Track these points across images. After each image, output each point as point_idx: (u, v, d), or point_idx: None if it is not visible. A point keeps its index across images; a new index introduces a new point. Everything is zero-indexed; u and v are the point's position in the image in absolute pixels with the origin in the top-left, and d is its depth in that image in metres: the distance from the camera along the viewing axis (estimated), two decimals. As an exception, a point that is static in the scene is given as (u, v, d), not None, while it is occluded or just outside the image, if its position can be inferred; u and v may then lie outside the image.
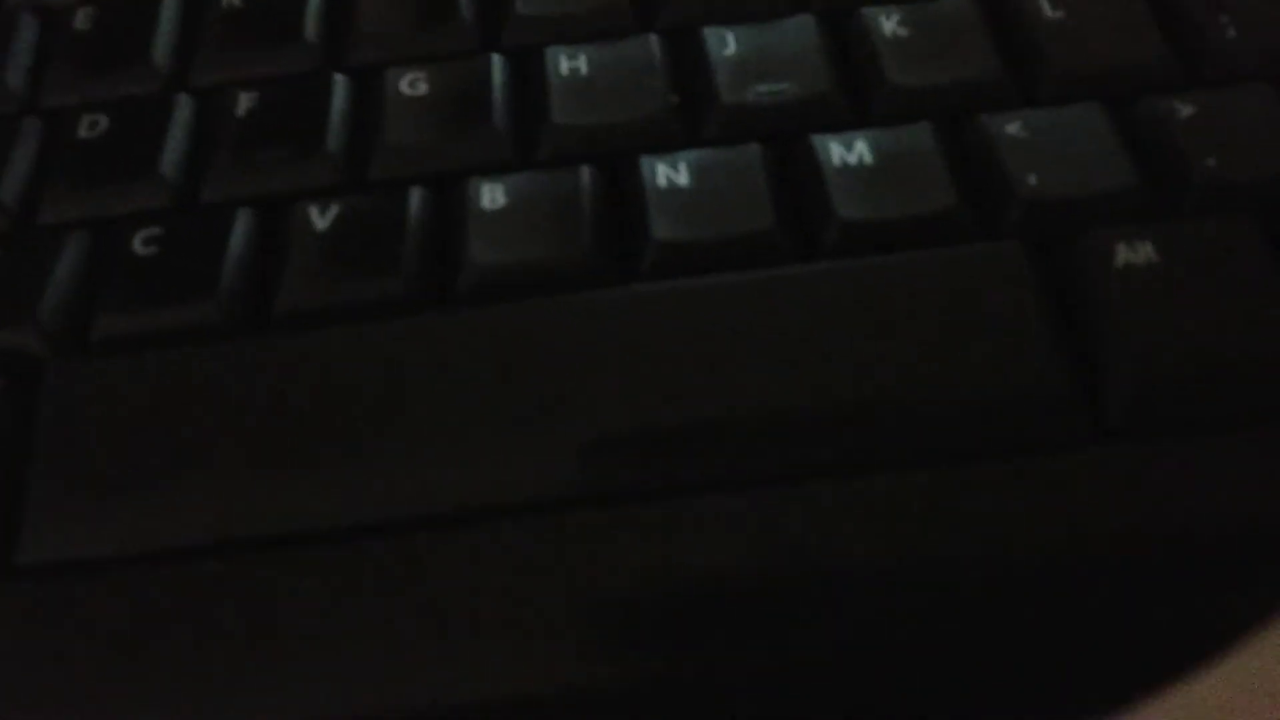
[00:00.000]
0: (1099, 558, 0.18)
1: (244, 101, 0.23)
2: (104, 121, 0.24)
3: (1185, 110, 0.21)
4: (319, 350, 0.20)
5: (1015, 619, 0.18)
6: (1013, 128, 0.22)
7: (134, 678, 0.18)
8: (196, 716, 0.18)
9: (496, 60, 0.24)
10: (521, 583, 0.18)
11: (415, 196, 0.22)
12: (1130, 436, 0.19)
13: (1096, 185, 0.21)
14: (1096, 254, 0.20)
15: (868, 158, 0.21)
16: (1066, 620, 0.18)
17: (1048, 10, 0.23)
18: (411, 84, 0.23)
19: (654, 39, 0.24)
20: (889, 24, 0.23)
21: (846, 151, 0.22)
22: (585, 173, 0.22)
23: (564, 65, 0.23)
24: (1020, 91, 0.22)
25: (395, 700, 0.18)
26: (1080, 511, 0.18)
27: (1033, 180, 0.21)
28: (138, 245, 0.22)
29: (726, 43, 0.23)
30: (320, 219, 0.22)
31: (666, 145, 0.22)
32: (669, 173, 0.22)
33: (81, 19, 0.25)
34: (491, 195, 0.22)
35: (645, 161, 0.22)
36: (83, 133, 0.23)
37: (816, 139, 0.22)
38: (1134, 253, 0.20)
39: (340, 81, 0.24)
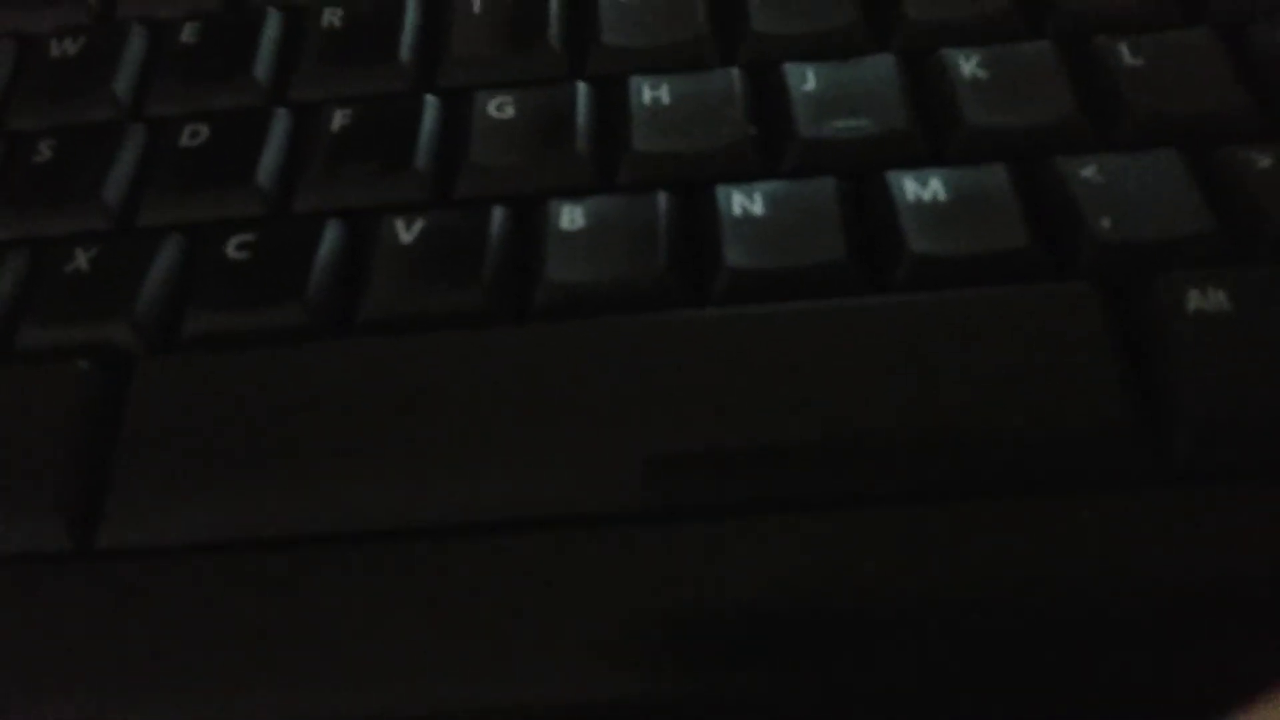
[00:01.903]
0: (1160, 597, 0.18)
1: (339, 117, 0.24)
2: (205, 131, 0.25)
3: (1263, 160, 0.21)
4: (398, 358, 0.21)
5: (1076, 654, 0.18)
6: (1088, 171, 0.22)
7: (198, 662, 0.19)
8: (255, 704, 0.19)
9: (581, 87, 0.24)
10: (583, 592, 0.19)
11: (497, 215, 0.23)
12: (1195, 480, 0.19)
13: (1170, 230, 0.21)
14: (1169, 298, 0.20)
15: (942, 195, 0.22)
16: (1125, 658, 0.18)
17: (1128, 57, 0.23)
18: (499, 107, 0.24)
19: (735, 72, 0.24)
20: (968, 65, 0.23)
21: (921, 188, 0.22)
22: (662, 198, 0.22)
23: (647, 94, 0.24)
24: (1098, 136, 0.23)
25: (450, 703, 0.19)
26: (1143, 551, 0.18)
27: (1106, 223, 0.21)
28: (230, 250, 0.23)
29: (806, 78, 0.24)
30: (406, 232, 0.23)
31: (743, 175, 0.23)
32: (744, 202, 0.22)
33: (188, 33, 0.26)
34: (571, 216, 0.22)
35: (721, 190, 0.22)
36: (184, 141, 0.24)
37: (892, 175, 0.22)
38: (1206, 298, 0.20)
39: (431, 102, 0.24)
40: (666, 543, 0.19)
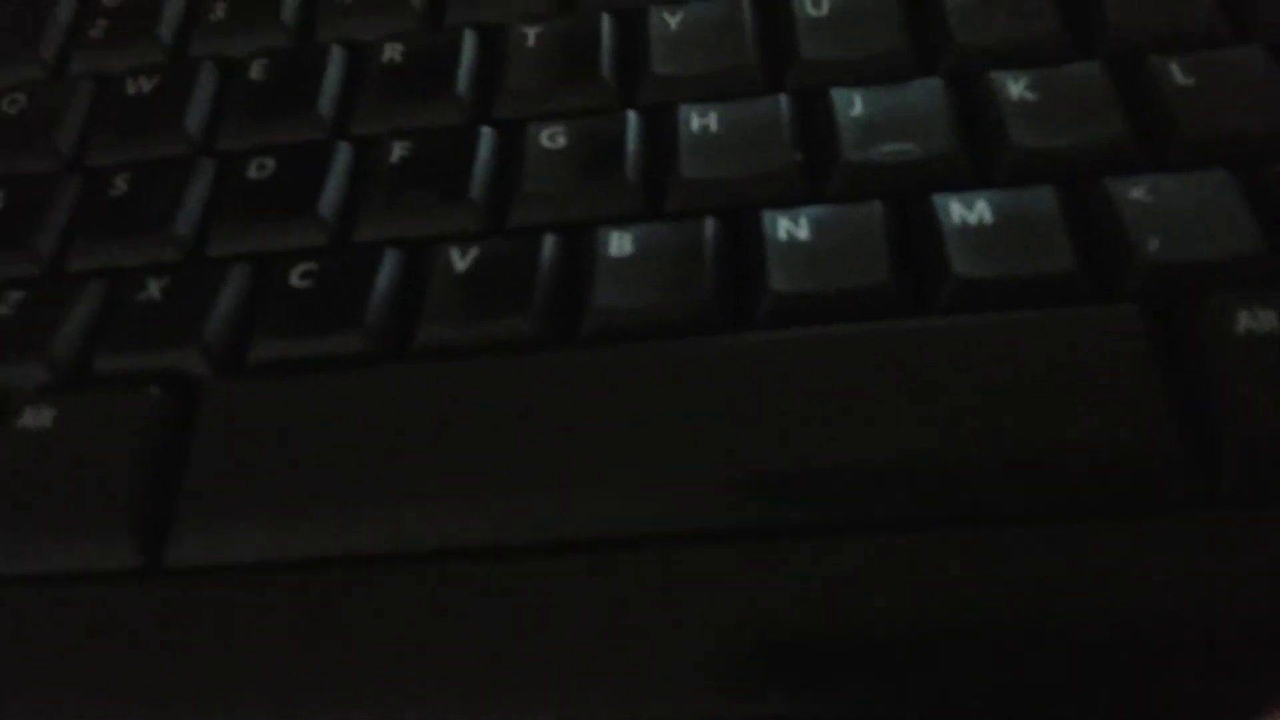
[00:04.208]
0: (1205, 625, 0.18)
1: (397, 150, 0.25)
2: (271, 164, 0.25)
3: (1316, 180, 0.21)
4: (452, 382, 0.22)
5: (1124, 681, 0.18)
6: (1137, 192, 0.22)
7: (264, 678, 0.20)
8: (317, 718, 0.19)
9: (632, 117, 0.25)
10: (622, 614, 0.19)
11: (548, 243, 0.23)
12: (1243, 505, 0.19)
13: (1220, 251, 0.21)
14: (1218, 320, 0.20)
15: (988, 218, 0.22)
16: (1170, 686, 0.18)
17: (1179, 77, 0.23)
18: (551, 137, 0.25)
19: (783, 99, 0.24)
20: (1016, 87, 0.23)
21: (967, 211, 0.22)
22: (709, 225, 0.23)
23: (695, 122, 0.24)
24: (1147, 157, 0.22)
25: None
26: (1188, 578, 0.18)
27: (1154, 245, 0.21)
28: (294, 279, 0.24)
29: (853, 103, 0.24)
30: (460, 261, 0.23)
31: (790, 200, 0.23)
32: (789, 226, 0.22)
33: (256, 70, 0.27)
34: (619, 243, 0.23)
35: (767, 215, 0.23)
36: (252, 174, 0.25)
37: (938, 198, 0.22)
38: (1256, 320, 0.20)
39: (486, 134, 0.25)
40: (712, 565, 0.19)
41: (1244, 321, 0.20)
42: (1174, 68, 0.23)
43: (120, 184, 0.26)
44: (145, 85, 0.27)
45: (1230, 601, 0.18)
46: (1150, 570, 0.18)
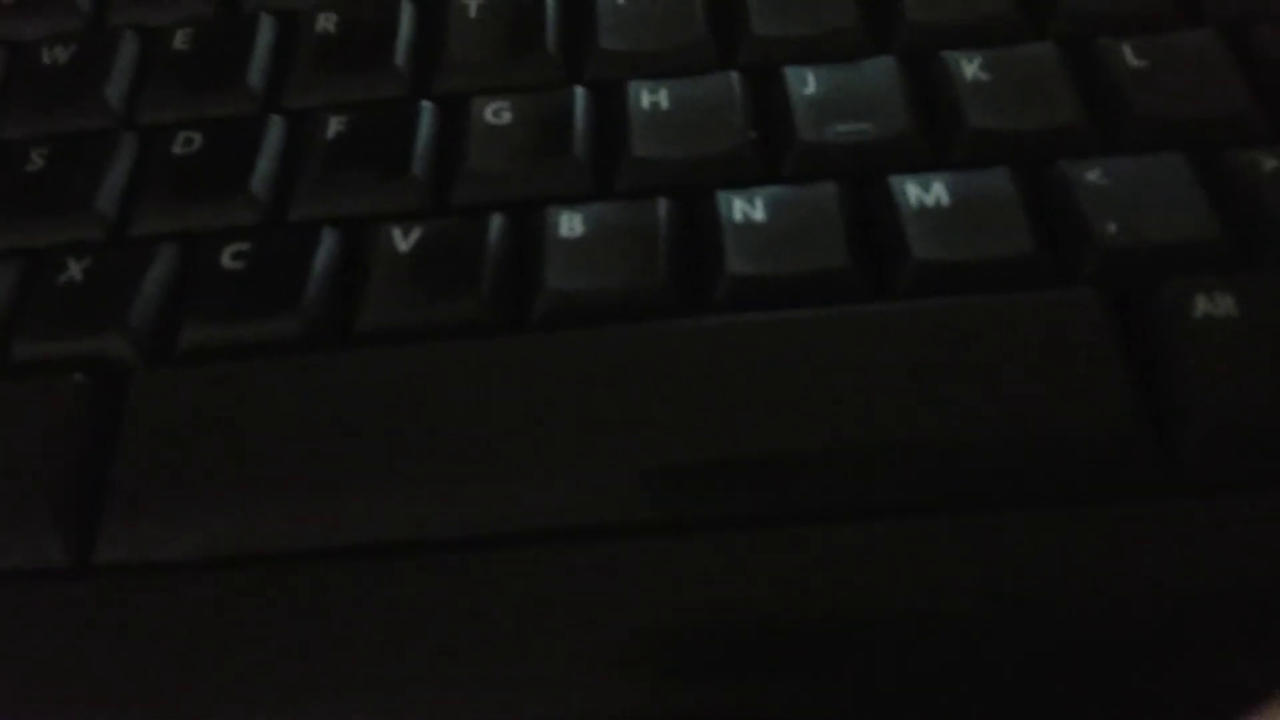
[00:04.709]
0: (1166, 606, 0.18)
1: (333, 125, 0.24)
2: (198, 139, 0.24)
3: (1269, 163, 0.21)
4: (395, 368, 0.21)
5: (1083, 664, 0.18)
6: (1093, 175, 0.22)
7: (197, 678, 0.19)
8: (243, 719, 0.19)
9: (579, 92, 0.24)
10: (586, 605, 0.19)
11: (495, 222, 0.22)
12: (1203, 488, 0.19)
13: (1176, 235, 0.21)
14: (1175, 304, 0.20)
15: (945, 200, 0.22)
16: (1131, 667, 0.18)
17: (1131, 58, 0.23)
18: (496, 113, 0.24)
19: (735, 76, 0.24)
20: (970, 68, 0.23)
21: (924, 193, 0.22)
22: (662, 205, 0.22)
23: (645, 99, 0.24)
24: (1101, 139, 0.22)
25: (451, 718, 0.18)
26: (1150, 560, 0.18)
27: (1111, 228, 0.21)
28: (226, 260, 0.22)
29: (807, 82, 0.23)
30: (403, 241, 0.22)
31: (744, 180, 0.22)
32: (745, 208, 0.22)
33: (180, 39, 0.26)
34: (570, 224, 0.22)
35: (722, 196, 0.22)
36: (177, 149, 0.24)
37: (894, 179, 0.22)
38: (1213, 304, 0.20)
39: (427, 108, 0.24)
40: (670, 555, 0.19)
41: (1201, 306, 0.20)
42: (1126, 50, 0.23)
43: (36, 159, 0.24)
44: (61, 54, 0.26)
45: (1190, 585, 0.18)
46: (1111, 555, 0.18)
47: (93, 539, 0.20)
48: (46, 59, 0.26)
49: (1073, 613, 0.18)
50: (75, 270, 0.23)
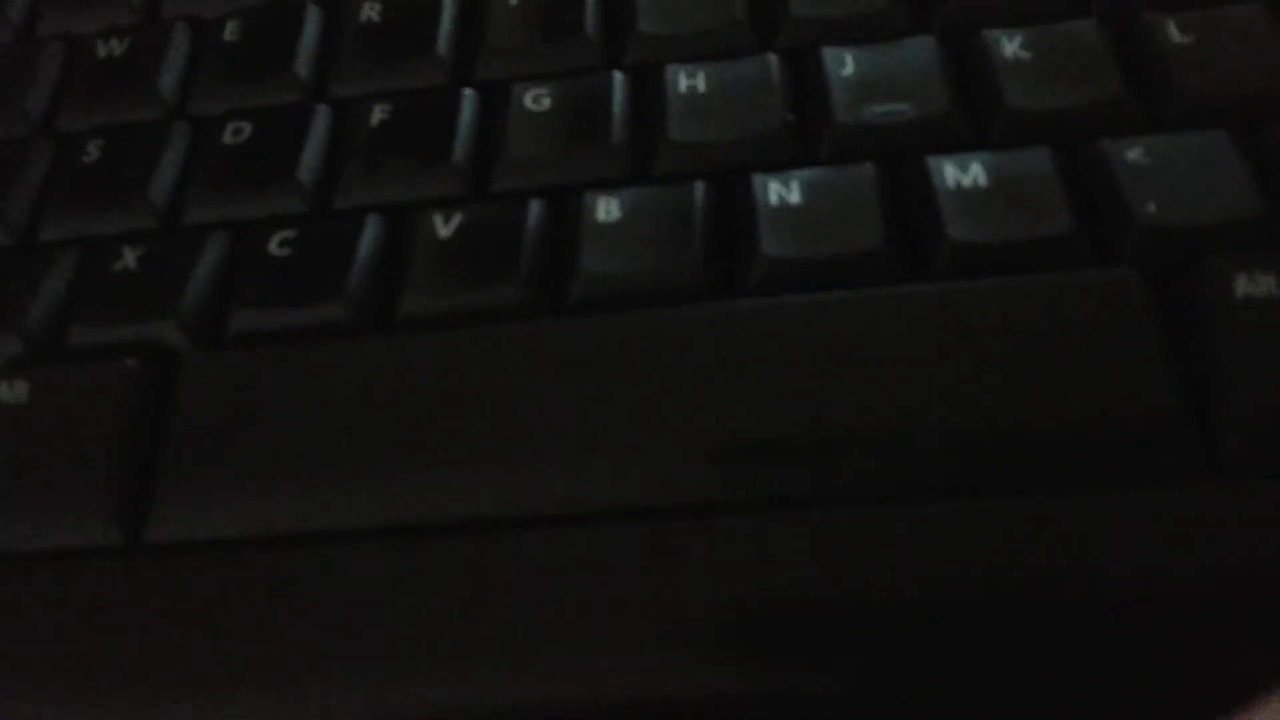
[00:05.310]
0: (1204, 591, 0.18)
1: (377, 113, 0.24)
2: (247, 129, 0.25)
3: (1316, 140, 0.21)
4: (438, 352, 0.21)
5: (1121, 647, 0.18)
6: (1134, 153, 0.21)
7: (247, 656, 0.19)
8: (304, 699, 0.19)
9: (618, 77, 0.24)
10: (615, 587, 0.19)
11: (534, 207, 0.23)
12: (1243, 470, 0.18)
13: (1218, 214, 0.20)
14: (1216, 284, 0.20)
15: (983, 180, 0.21)
16: (1168, 652, 0.18)
17: (1176, 35, 0.23)
18: (535, 99, 0.24)
19: (772, 58, 0.24)
20: (1010, 46, 0.23)
21: (961, 173, 0.22)
22: (699, 188, 0.22)
23: (683, 83, 0.24)
24: (1144, 117, 0.22)
25: (502, 698, 0.19)
26: (1187, 545, 0.18)
27: (1152, 207, 0.21)
28: (273, 247, 0.23)
29: (845, 63, 0.23)
30: (444, 227, 0.23)
31: (781, 163, 0.22)
32: (781, 190, 0.22)
33: (230, 31, 0.26)
34: (607, 208, 0.22)
35: (758, 179, 0.22)
36: (227, 139, 0.25)
37: (932, 160, 0.22)
38: (1254, 284, 0.19)
39: (468, 95, 0.24)
40: (713, 536, 0.19)
41: (1242, 285, 0.19)
42: (1170, 25, 0.23)
43: (93, 150, 0.25)
44: (116, 47, 0.26)
45: (1228, 570, 0.18)
46: (1148, 538, 0.18)
47: (144, 519, 0.21)
48: (102, 52, 0.26)
49: (1109, 595, 0.18)
50: (129, 258, 0.23)
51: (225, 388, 0.22)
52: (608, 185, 0.23)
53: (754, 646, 0.18)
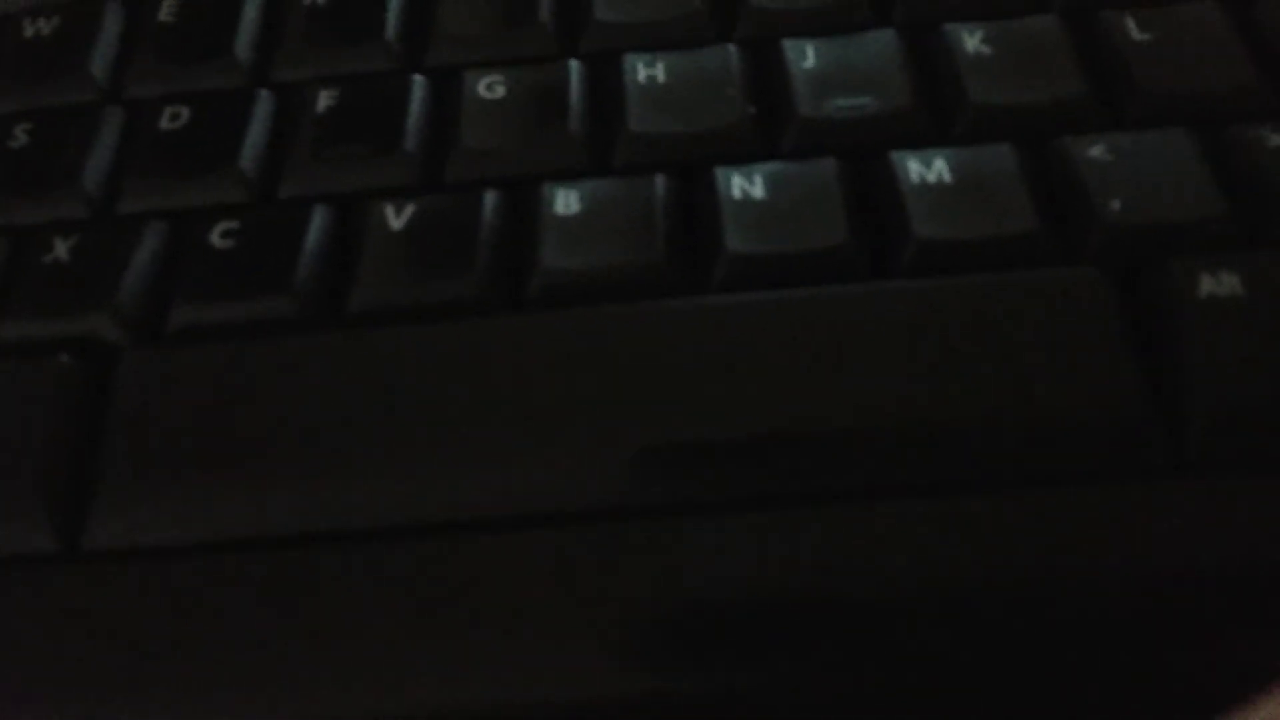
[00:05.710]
0: (1169, 590, 0.18)
1: (324, 99, 0.24)
2: (185, 114, 0.24)
3: (1275, 139, 0.21)
4: (389, 348, 0.21)
5: (1085, 648, 0.18)
6: (1096, 151, 0.21)
7: (188, 664, 0.19)
8: (246, 705, 0.18)
9: (574, 66, 0.24)
10: (581, 589, 0.18)
11: (490, 199, 0.22)
12: (1207, 470, 0.19)
13: (1181, 213, 0.20)
14: (1179, 283, 0.20)
15: (947, 176, 0.21)
16: (1134, 651, 0.18)
17: (1135, 32, 0.23)
18: (489, 87, 0.23)
19: (732, 49, 0.23)
20: (972, 41, 0.23)
21: (925, 169, 0.21)
22: (660, 181, 0.22)
23: (642, 73, 0.23)
24: (1105, 114, 0.22)
25: (444, 703, 0.18)
26: (1152, 543, 0.18)
27: (1115, 205, 0.21)
28: (215, 238, 0.22)
29: (806, 55, 0.23)
30: (396, 218, 0.22)
31: (742, 156, 0.22)
32: (744, 184, 0.21)
33: (166, 11, 0.25)
34: (565, 200, 0.22)
35: (720, 172, 0.22)
36: (164, 124, 0.24)
37: (895, 155, 0.22)
38: (1218, 283, 0.19)
39: (419, 82, 0.24)
40: (666, 537, 0.19)
41: (1206, 284, 0.20)
42: (1129, 22, 0.23)
43: (20, 135, 0.24)
44: (44, 26, 0.25)
45: (1193, 568, 0.18)
46: (1111, 538, 0.18)
47: (81, 524, 0.20)
48: (29, 31, 0.25)
49: (1074, 594, 0.18)
50: (61, 249, 0.22)
51: (166, 385, 0.21)
52: (565, 176, 0.22)
53: (706, 646, 0.18)
